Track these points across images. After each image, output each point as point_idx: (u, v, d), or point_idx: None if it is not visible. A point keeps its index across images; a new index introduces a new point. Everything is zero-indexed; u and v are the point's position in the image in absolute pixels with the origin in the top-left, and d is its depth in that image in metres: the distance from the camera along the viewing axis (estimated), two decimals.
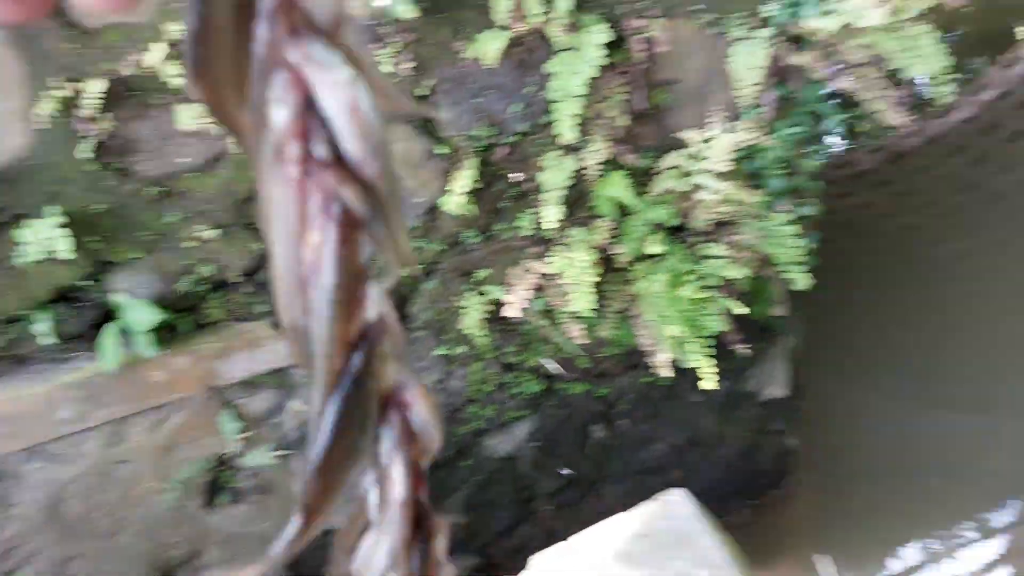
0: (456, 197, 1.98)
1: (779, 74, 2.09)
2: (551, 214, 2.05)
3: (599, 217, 2.17)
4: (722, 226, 2.25)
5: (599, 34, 1.88)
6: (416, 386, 0.28)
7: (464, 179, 1.97)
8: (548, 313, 2.23)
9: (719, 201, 2.16)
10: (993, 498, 3.08)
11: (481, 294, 2.16)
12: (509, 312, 2.08)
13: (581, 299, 2.08)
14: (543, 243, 2.15)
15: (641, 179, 2.21)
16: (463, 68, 1.91)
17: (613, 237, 2.18)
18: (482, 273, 2.17)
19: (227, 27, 0.21)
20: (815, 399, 3.21)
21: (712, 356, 2.18)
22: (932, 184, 4.32)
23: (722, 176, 2.11)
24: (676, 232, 2.29)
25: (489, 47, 1.84)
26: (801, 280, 2.15)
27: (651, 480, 2.66)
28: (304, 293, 0.23)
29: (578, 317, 2.21)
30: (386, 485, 0.28)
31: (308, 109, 0.23)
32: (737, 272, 2.15)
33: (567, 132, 1.91)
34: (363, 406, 0.25)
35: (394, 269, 0.26)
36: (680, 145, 2.18)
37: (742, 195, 2.15)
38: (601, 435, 2.60)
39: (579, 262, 2.10)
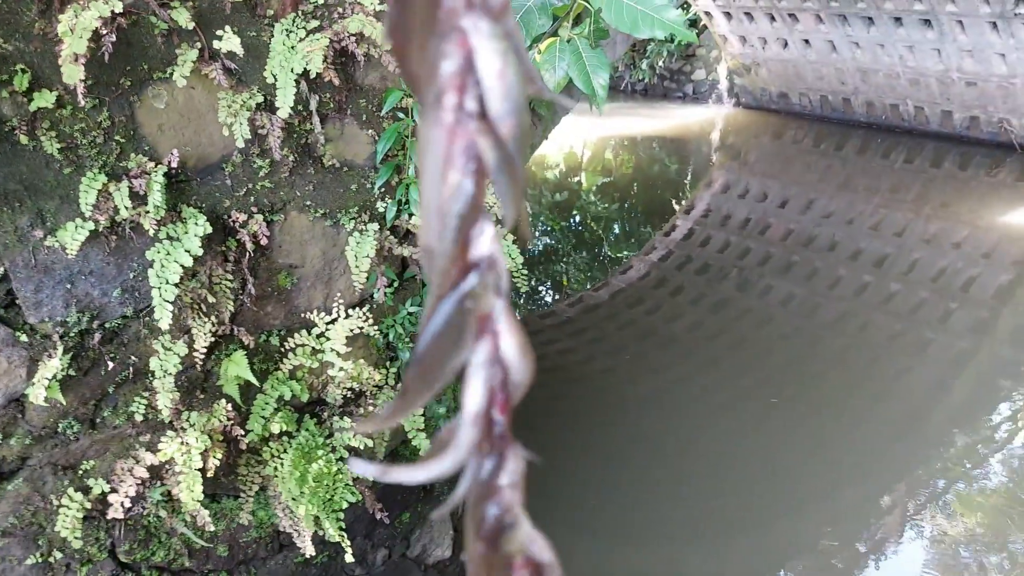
0: (43, 387, 1.84)
1: (391, 261, 2.25)
2: (164, 399, 1.97)
3: (222, 399, 2.12)
4: (355, 399, 2.31)
5: (198, 226, 1.91)
6: (510, 322, 0.31)
7: (53, 367, 1.84)
8: (168, 503, 2.09)
9: (348, 377, 2.22)
10: None
11: (85, 490, 1.98)
12: (113, 512, 1.91)
13: (193, 487, 1.98)
14: (158, 429, 2.05)
15: (271, 358, 2.21)
16: (50, 255, 1.83)
17: (240, 419, 2.14)
18: (87, 464, 2.00)
19: None
20: None
21: (343, 530, 2.16)
22: (619, 331, 4.84)
23: (346, 356, 2.18)
24: (311, 408, 2.29)
25: (72, 237, 1.79)
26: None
27: None
28: (438, 219, 0.28)
29: (204, 504, 2.09)
30: (465, 396, 0.30)
31: (468, 68, 0.28)
32: (360, 443, 2.19)
33: (165, 318, 1.87)
34: (462, 318, 0.30)
35: (509, 218, 0.30)
36: (309, 324, 2.23)
37: (368, 372, 2.23)
38: None
39: (193, 448, 2.02)
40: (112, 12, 1.69)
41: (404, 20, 0.28)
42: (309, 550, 2.21)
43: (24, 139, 1.75)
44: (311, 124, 2.10)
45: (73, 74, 1.67)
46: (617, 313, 4.83)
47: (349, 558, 2.18)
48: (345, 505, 2.16)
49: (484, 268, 0.30)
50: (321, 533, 2.23)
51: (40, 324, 1.86)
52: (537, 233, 5.90)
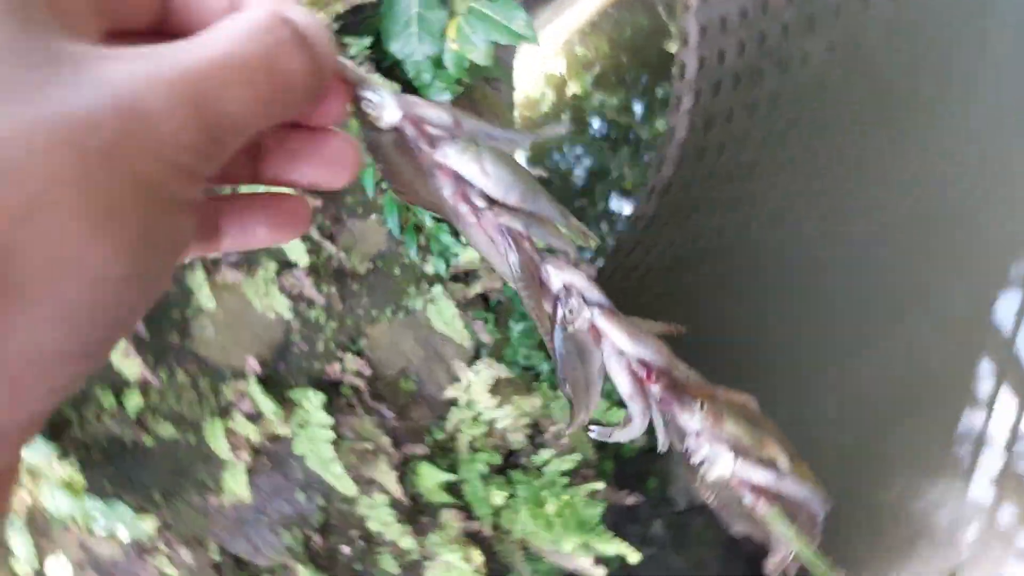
0: None
1: (473, 304, 2.25)
2: (405, 543, 2.07)
3: (440, 509, 2.20)
4: (535, 428, 2.33)
5: (313, 399, 2.00)
6: (611, 319, 0.41)
7: None
8: None
9: (515, 419, 2.25)
10: None
11: None
12: None
13: None
14: (416, 568, 2.15)
15: (446, 448, 2.28)
16: (232, 510, 1.96)
17: (466, 514, 2.21)
18: None
19: (398, 157, 0.39)
20: None
21: (617, 535, 2.19)
22: (710, 193, 4.67)
23: (500, 403, 2.21)
24: (509, 463, 2.34)
25: (237, 482, 1.91)
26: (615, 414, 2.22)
27: None
28: (512, 281, 0.39)
29: None
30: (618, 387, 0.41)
31: (460, 182, 0.38)
32: (571, 461, 2.21)
33: (348, 484, 1.96)
34: (573, 338, 0.40)
35: (570, 249, 0.40)
36: (452, 401, 2.28)
37: (527, 402, 2.25)
38: None
39: (454, 562, 2.11)
40: None
41: (401, 182, 0.39)
42: (600, 573, 2.25)
43: (147, 440, 1.89)
44: (328, 251, 2.15)
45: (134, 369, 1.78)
46: (689, 182, 4.65)
47: (634, 557, 2.20)
48: (597, 518, 2.19)
49: (564, 297, 0.40)
50: (601, 551, 2.26)
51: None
52: (573, 161, 5.78)
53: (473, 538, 2.21)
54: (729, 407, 0.45)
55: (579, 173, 5.60)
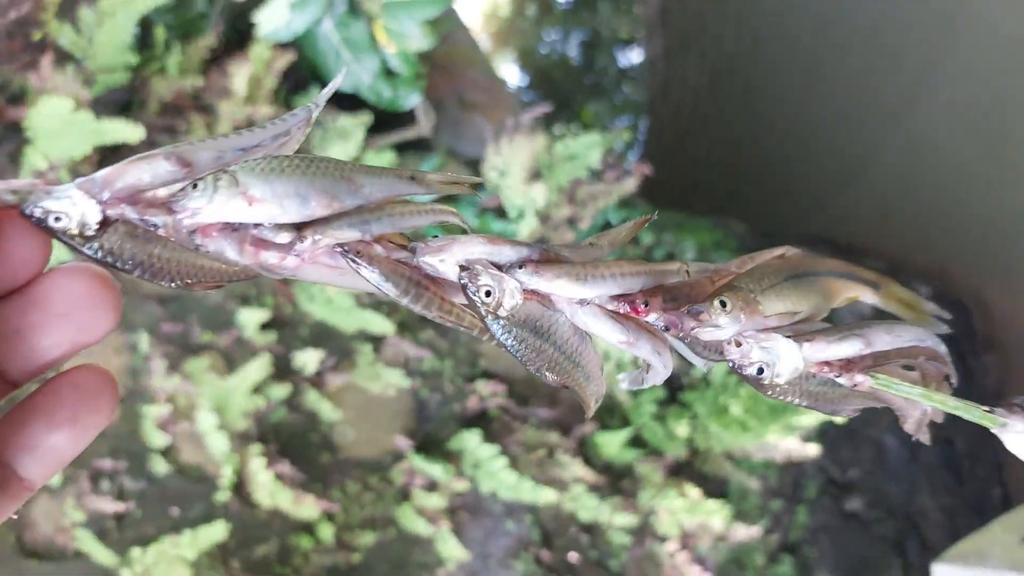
0: None
1: None
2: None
3: (635, 464, 2.19)
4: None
5: None
6: (549, 268, 0.34)
7: None
8: None
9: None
10: None
11: None
12: None
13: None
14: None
15: (604, 414, 2.25)
16: None
17: (668, 454, 2.19)
18: None
19: (148, 250, 0.31)
20: None
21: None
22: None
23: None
24: (675, 392, 2.29)
25: None
26: None
27: None
28: (398, 299, 0.34)
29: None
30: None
31: (234, 230, 0.31)
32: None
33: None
34: (517, 320, 0.34)
35: (448, 216, 0.36)
36: None
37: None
38: None
39: (677, 508, 2.10)
40: None
41: (178, 273, 0.31)
42: (813, 449, 2.16)
43: (356, 556, 1.97)
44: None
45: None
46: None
47: (839, 418, 2.10)
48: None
49: (471, 281, 0.32)
50: (803, 425, 2.17)
51: None
52: (561, 45, 5.44)
53: (678, 473, 2.19)
54: (760, 280, 0.35)
55: (573, 55, 5.27)
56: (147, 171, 0.29)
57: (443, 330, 2.13)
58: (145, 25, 1.89)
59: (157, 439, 1.78)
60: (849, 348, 0.35)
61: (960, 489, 2.74)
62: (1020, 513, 1.86)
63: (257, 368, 1.74)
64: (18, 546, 1.65)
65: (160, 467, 1.78)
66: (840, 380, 0.36)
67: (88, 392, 0.30)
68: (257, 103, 1.85)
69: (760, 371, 0.34)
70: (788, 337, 0.34)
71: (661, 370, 0.37)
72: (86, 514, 1.69)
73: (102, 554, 1.63)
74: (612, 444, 2.15)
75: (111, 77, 1.84)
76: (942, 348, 0.38)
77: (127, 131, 1.64)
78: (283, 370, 1.94)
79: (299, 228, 0.31)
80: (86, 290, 0.29)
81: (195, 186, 0.29)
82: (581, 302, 0.34)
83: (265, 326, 1.91)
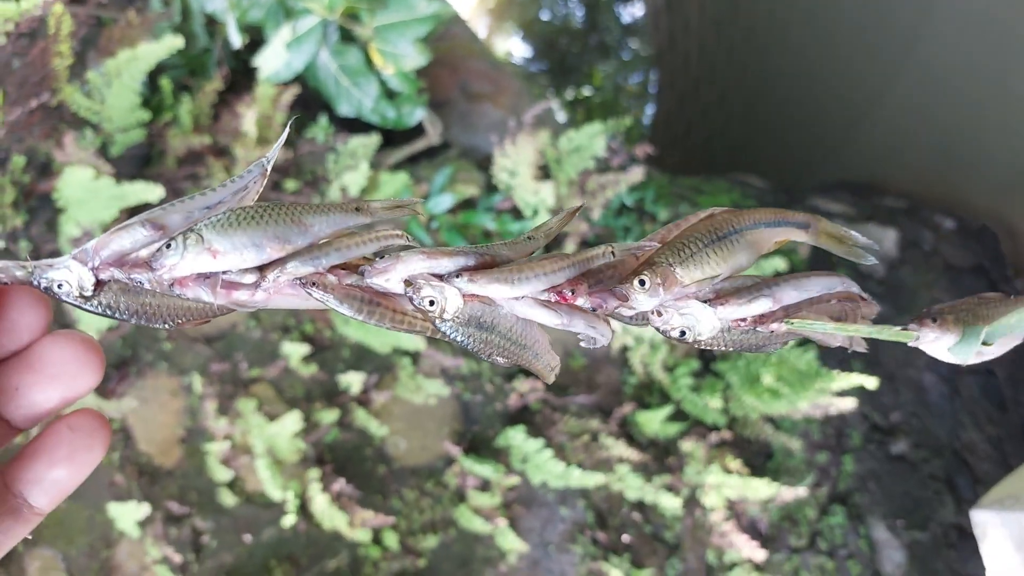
0: None
1: None
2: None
3: (678, 440, 2.24)
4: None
5: None
6: (483, 275, 0.39)
7: None
8: None
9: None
10: None
11: None
12: None
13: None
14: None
15: (643, 391, 2.30)
16: None
17: (708, 425, 2.24)
18: None
19: (140, 301, 0.37)
20: None
21: (837, 374, 2.13)
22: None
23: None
24: (708, 363, 2.32)
25: None
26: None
27: None
28: (355, 317, 0.39)
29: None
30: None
31: (206, 279, 0.36)
32: None
33: None
34: (463, 319, 0.40)
35: (392, 239, 0.40)
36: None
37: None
38: None
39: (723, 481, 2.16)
40: None
41: (171, 316, 0.37)
42: (850, 401, 2.18)
43: (422, 561, 2.07)
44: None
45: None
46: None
47: (871, 383, 2.10)
48: (815, 362, 2.14)
49: (415, 294, 0.37)
50: (836, 389, 2.18)
51: None
52: (562, 8, 5.35)
53: (720, 445, 2.25)
54: (680, 251, 0.39)
55: (578, 15, 5.21)
56: (127, 238, 0.36)
57: None
58: (150, 73, 1.93)
59: (222, 474, 1.88)
60: (759, 307, 0.39)
61: (1004, 417, 2.75)
62: None
63: (293, 420, 1.82)
64: None
65: (228, 499, 1.89)
66: (758, 330, 0.40)
67: (82, 433, 0.36)
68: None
69: (683, 334, 0.39)
70: (705, 302, 0.39)
71: (600, 338, 0.41)
72: (162, 552, 1.81)
73: None
74: (654, 421, 2.20)
75: (128, 136, 1.90)
76: (854, 287, 0.42)
77: (147, 191, 1.70)
78: (331, 393, 2.03)
79: (261, 269, 0.37)
80: (72, 354, 0.35)
81: (169, 246, 0.35)
82: (516, 297, 0.39)
83: (307, 357, 1.99)
